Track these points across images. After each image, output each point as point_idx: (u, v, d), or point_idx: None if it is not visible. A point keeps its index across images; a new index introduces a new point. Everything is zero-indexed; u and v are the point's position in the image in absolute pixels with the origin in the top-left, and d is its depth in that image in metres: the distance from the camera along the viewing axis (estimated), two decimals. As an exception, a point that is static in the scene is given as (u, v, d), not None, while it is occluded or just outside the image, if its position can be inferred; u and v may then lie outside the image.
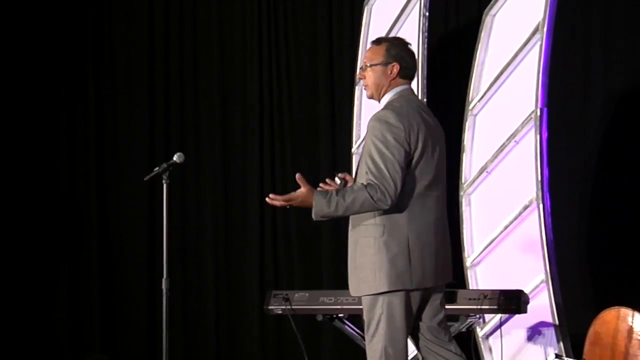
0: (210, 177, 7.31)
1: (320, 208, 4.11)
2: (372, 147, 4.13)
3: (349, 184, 4.26)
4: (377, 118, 4.18)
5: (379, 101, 4.34)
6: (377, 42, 4.37)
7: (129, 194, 7.41)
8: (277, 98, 7.13)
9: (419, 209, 4.17)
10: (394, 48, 4.31)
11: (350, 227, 4.27)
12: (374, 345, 4.19)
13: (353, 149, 6.42)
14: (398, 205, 4.13)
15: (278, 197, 4.21)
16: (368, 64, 4.31)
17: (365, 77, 4.33)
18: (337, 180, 4.29)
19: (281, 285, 6.90)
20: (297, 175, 4.18)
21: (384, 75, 4.28)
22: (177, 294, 6.95)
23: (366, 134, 4.24)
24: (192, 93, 7.41)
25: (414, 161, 4.16)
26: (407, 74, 4.32)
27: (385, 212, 4.12)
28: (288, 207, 4.23)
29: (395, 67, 4.28)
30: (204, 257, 7.28)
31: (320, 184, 4.30)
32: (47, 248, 7.52)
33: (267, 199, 4.23)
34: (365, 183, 4.10)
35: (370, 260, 4.15)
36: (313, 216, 4.16)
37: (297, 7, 7.13)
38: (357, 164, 4.41)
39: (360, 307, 5.41)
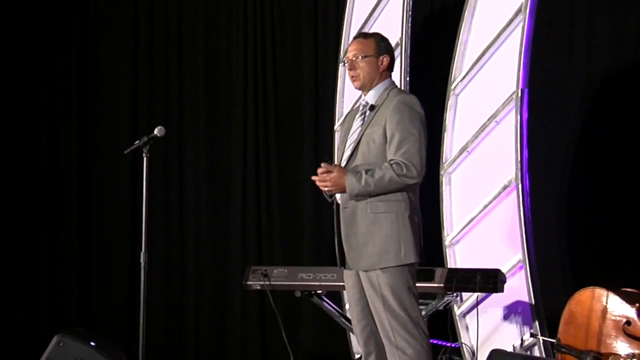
0: (193, 152, 7.31)
1: (352, 187, 4.23)
2: (400, 128, 4.25)
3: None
4: (404, 102, 4.32)
5: (368, 92, 4.43)
6: (365, 36, 4.51)
7: (111, 168, 7.41)
8: (262, 74, 7.13)
9: (417, 190, 4.39)
10: (382, 42, 4.46)
11: (354, 206, 4.30)
12: (405, 315, 4.24)
13: (335, 127, 6.44)
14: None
15: (316, 178, 4.26)
16: (360, 56, 4.40)
17: (355, 69, 4.41)
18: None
19: (264, 262, 6.92)
20: (323, 164, 4.27)
21: (376, 66, 4.41)
22: (158, 268, 6.98)
23: (391, 115, 4.29)
24: (176, 66, 7.41)
25: None
26: (392, 66, 4.49)
27: (406, 189, 4.26)
28: (327, 190, 4.28)
29: (386, 59, 4.43)
30: (185, 232, 7.29)
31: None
32: (27, 220, 7.51)
33: (314, 177, 4.28)
34: (394, 162, 4.22)
35: (396, 234, 4.25)
36: (347, 196, 4.26)
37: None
38: (354, 144, 4.39)
39: (338, 283, 5.52)
